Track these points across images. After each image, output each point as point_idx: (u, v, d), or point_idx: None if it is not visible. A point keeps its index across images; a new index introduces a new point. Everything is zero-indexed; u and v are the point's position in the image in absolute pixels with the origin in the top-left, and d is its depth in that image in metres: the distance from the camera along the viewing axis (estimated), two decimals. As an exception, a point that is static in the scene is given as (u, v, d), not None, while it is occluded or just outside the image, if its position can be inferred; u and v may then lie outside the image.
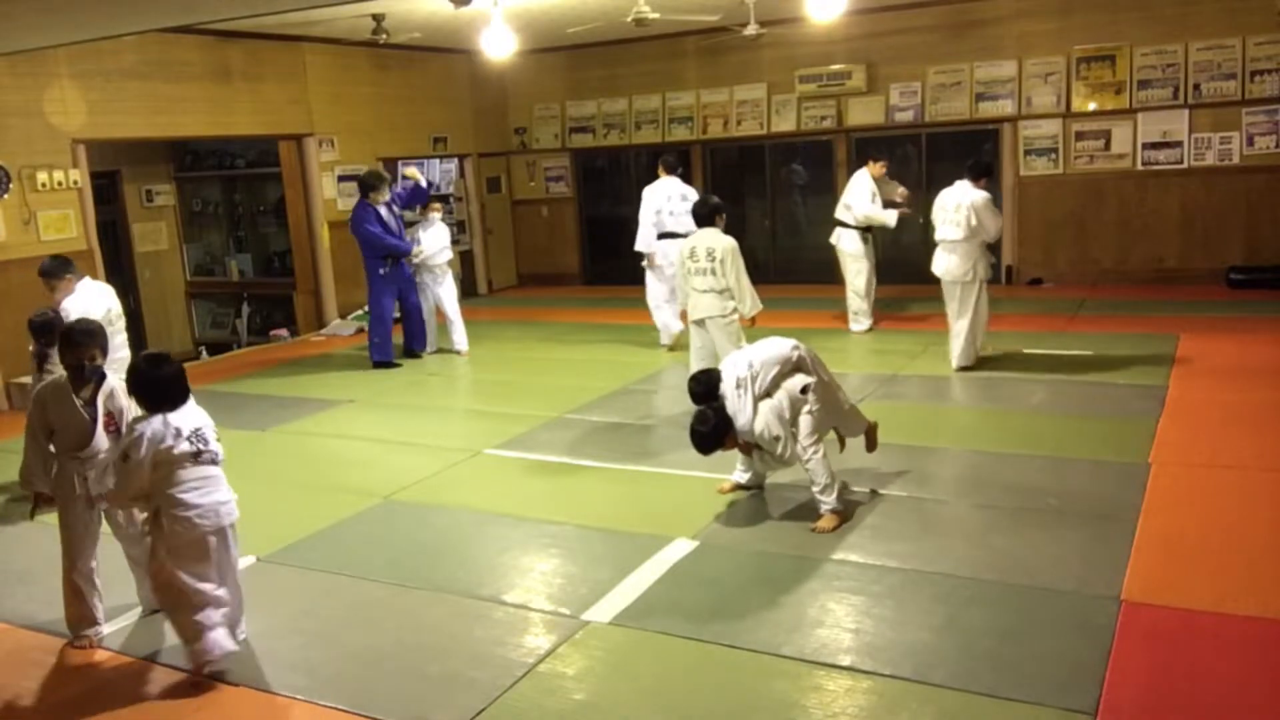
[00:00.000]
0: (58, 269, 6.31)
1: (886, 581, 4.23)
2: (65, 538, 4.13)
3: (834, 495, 4.85)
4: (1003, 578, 4.18)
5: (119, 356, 5.95)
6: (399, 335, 9.51)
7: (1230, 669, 3.43)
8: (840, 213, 9.28)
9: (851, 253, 9.20)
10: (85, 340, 4.06)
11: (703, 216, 6.66)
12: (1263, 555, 4.26)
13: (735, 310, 6.50)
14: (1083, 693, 3.31)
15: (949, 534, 4.69)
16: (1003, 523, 4.78)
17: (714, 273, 6.45)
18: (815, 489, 4.85)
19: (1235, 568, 4.16)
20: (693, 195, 8.59)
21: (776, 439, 4.78)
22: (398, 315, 9.46)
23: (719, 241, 6.46)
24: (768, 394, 4.84)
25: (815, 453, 4.83)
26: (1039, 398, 6.85)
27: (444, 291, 9.44)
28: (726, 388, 4.88)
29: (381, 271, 9.08)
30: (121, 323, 6.55)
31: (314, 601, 4.40)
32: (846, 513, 4.90)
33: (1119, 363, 7.51)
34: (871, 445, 5.37)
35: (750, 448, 4.97)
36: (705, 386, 4.99)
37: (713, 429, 4.83)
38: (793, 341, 5.07)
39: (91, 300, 6.25)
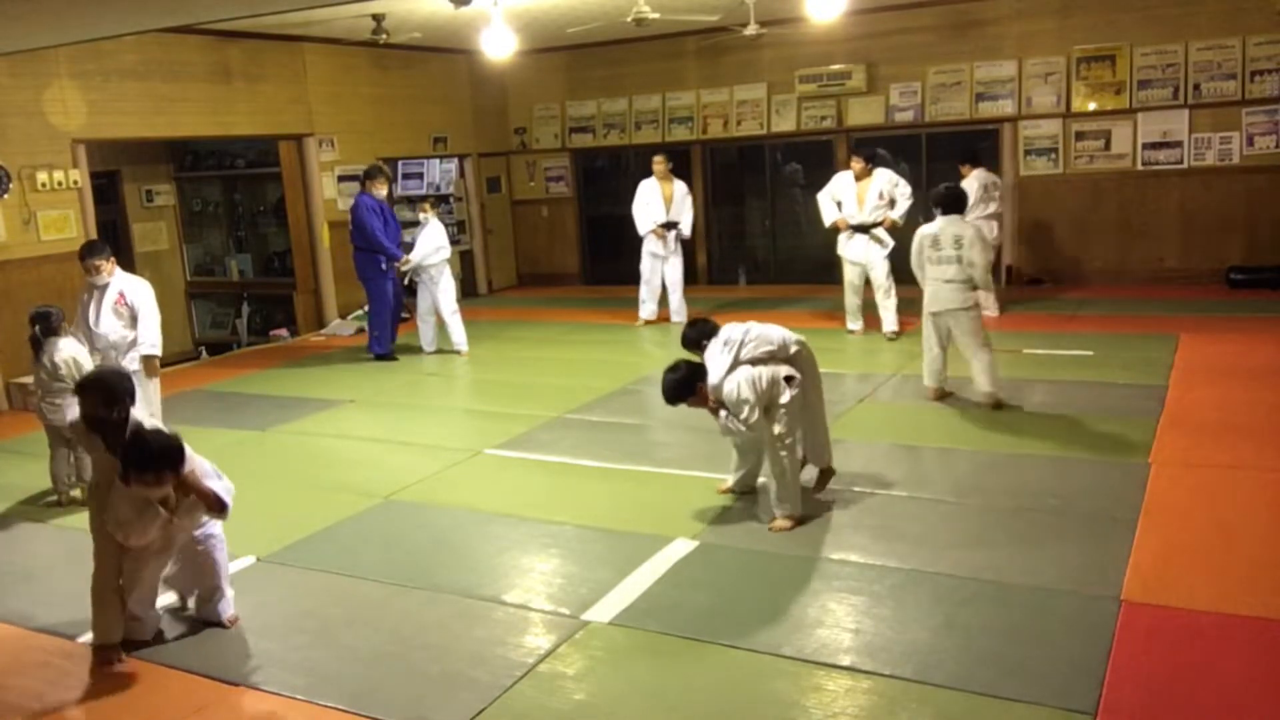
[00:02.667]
0: (101, 249, 6.37)
1: (886, 581, 4.23)
2: (97, 547, 3.98)
3: (796, 497, 4.84)
4: (1003, 578, 4.18)
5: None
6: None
7: (1230, 669, 3.43)
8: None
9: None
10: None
11: (949, 203, 6.48)
12: (1263, 555, 4.26)
13: (978, 303, 6.40)
14: (1083, 693, 3.31)
15: (949, 534, 4.69)
16: (1003, 523, 4.78)
17: (959, 261, 6.36)
18: (777, 487, 4.81)
19: (1235, 568, 4.16)
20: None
21: (744, 402, 4.68)
22: None
23: (966, 229, 6.34)
24: (751, 363, 4.78)
25: (784, 453, 4.80)
26: (1039, 398, 6.84)
27: (441, 291, 9.44)
28: (714, 341, 4.89)
29: (383, 267, 9.26)
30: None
31: (314, 601, 4.40)
32: (804, 517, 4.87)
33: (1119, 363, 7.50)
34: (820, 487, 5.22)
35: (717, 409, 4.86)
36: (697, 332, 5.01)
37: (683, 376, 4.81)
38: (797, 337, 5.02)
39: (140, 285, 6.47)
